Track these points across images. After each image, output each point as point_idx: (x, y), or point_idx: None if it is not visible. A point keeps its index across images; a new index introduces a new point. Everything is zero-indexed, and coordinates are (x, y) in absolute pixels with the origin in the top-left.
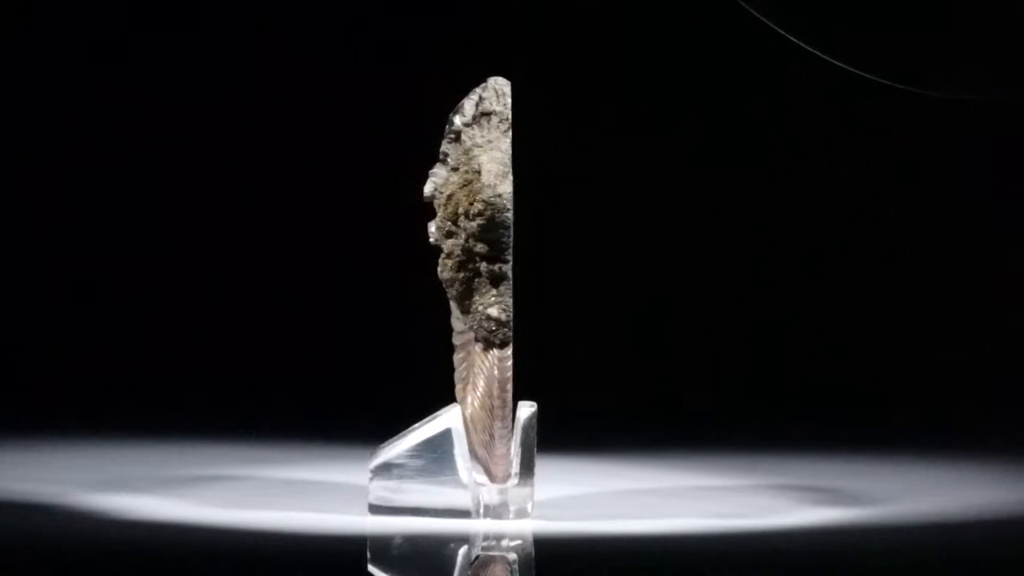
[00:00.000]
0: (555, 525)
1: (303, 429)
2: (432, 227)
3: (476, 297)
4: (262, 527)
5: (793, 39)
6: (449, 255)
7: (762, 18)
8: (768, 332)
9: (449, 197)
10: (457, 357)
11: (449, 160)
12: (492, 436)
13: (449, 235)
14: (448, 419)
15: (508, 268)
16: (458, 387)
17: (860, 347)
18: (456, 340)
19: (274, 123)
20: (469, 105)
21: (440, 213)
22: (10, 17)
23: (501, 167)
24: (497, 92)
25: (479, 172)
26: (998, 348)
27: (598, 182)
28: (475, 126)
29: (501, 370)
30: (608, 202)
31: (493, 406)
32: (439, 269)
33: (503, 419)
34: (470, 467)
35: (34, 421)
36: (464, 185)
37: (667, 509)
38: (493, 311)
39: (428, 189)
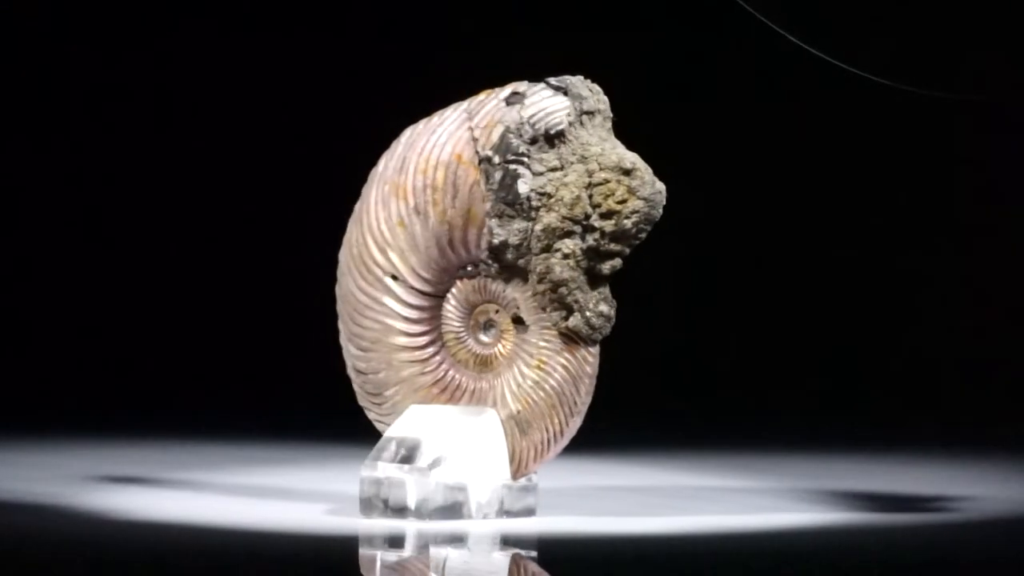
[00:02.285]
0: (559, 522)
1: (292, 429)
2: (496, 226)
3: (580, 295)
4: (255, 527)
5: (793, 39)
6: (569, 255)
7: (762, 18)
8: (771, 334)
9: (577, 199)
10: (409, 358)
11: (532, 161)
12: (563, 433)
13: (567, 235)
14: (483, 422)
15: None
16: (426, 390)
17: (864, 348)
18: (410, 342)
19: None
20: (573, 106)
21: (559, 213)
22: None
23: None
24: (592, 90)
25: (628, 171)
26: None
27: None
28: (577, 125)
29: (593, 367)
30: None
31: (576, 403)
32: (558, 270)
33: (582, 415)
34: (504, 466)
35: (29, 421)
36: (598, 184)
37: (669, 509)
38: (604, 307)
39: (524, 189)
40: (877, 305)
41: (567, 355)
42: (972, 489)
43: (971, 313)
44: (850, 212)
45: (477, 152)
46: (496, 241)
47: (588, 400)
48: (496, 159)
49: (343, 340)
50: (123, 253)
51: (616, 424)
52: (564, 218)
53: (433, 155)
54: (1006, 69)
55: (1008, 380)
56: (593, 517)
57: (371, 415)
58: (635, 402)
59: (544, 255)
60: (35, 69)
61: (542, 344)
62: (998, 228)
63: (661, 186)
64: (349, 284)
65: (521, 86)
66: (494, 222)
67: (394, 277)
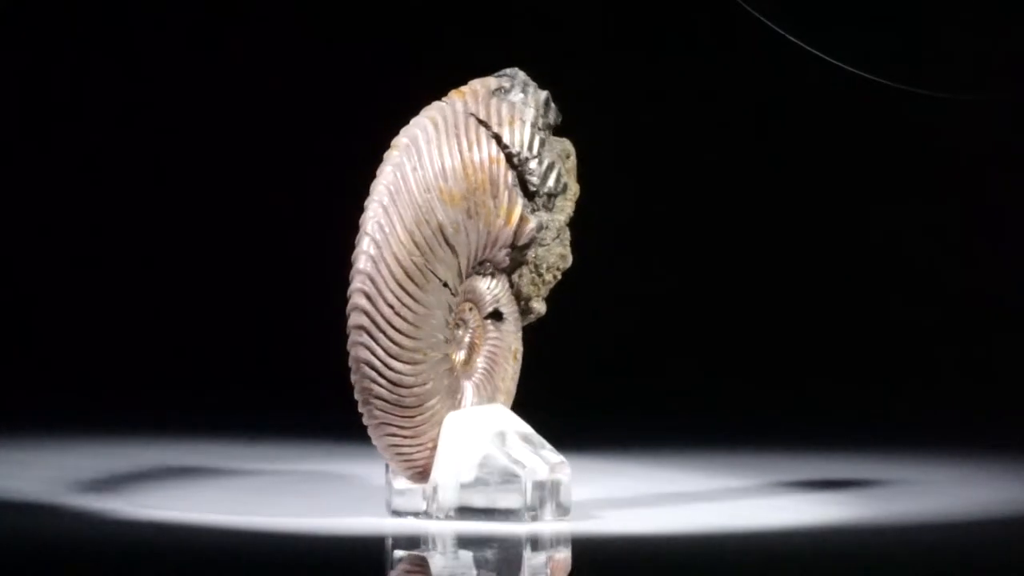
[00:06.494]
0: (573, 525)
1: (302, 426)
2: (543, 220)
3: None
4: (272, 527)
5: (793, 39)
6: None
7: (762, 18)
8: (775, 334)
9: (576, 187)
10: (448, 365)
11: (548, 153)
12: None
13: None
14: (498, 416)
15: None
16: (453, 396)
17: (869, 347)
18: (448, 349)
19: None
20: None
21: (573, 201)
22: None
23: None
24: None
25: (569, 154)
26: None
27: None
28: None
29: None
30: (609, 199)
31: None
32: (570, 258)
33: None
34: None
35: (39, 418)
36: (569, 170)
37: (686, 509)
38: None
39: (559, 181)
40: (876, 303)
41: (520, 343)
42: (972, 482)
43: (965, 311)
44: (845, 211)
45: (505, 150)
46: (540, 235)
47: None
48: (527, 154)
49: (376, 356)
50: (136, 249)
51: (611, 424)
52: (571, 205)
53: (471, 158)
54: (1007, 68)
55: (1004, 376)
56: (590, 516)
57: (386, 431)
58: (631, 401)
59: (554, 243)
60: (37, 60)
61: (516, 335)
62: (992, 229)
63: None
64: (396, 297)
65: (491, 82)
66: (542, 216)
67: (445, 284)
